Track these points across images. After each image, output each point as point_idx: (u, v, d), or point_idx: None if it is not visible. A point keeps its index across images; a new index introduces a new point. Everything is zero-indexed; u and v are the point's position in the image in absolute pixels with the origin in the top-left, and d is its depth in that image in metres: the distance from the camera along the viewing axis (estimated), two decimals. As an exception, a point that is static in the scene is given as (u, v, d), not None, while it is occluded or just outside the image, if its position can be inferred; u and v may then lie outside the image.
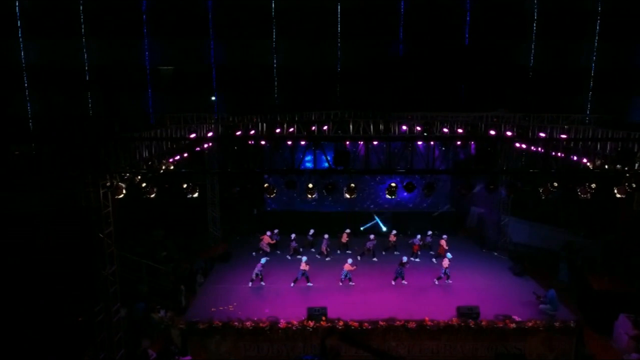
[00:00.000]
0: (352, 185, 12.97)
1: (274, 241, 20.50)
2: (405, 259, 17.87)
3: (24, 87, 26.98)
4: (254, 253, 20.24)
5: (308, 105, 22.09)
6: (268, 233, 20.53)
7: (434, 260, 19.91)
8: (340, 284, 17.47)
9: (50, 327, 14.20)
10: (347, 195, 13.04)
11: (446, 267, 17.71)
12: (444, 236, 20.21)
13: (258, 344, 14.68)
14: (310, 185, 13.62)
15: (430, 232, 21.15)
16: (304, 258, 17.83)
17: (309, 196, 14.05)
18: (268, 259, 18.33)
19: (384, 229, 23.62)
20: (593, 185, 12.09)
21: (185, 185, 12.74)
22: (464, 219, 25.15)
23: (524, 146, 16.00)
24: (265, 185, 13.71)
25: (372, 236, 20.40)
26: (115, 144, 11.50)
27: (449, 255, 18.05)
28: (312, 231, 21.46)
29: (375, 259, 20.16)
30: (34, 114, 27.13)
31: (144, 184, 12.06)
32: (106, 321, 12.17)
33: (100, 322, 12.15)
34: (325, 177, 13.99)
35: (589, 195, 12.12)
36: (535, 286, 17.29)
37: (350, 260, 17.66)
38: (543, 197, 12.99)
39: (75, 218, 12.21)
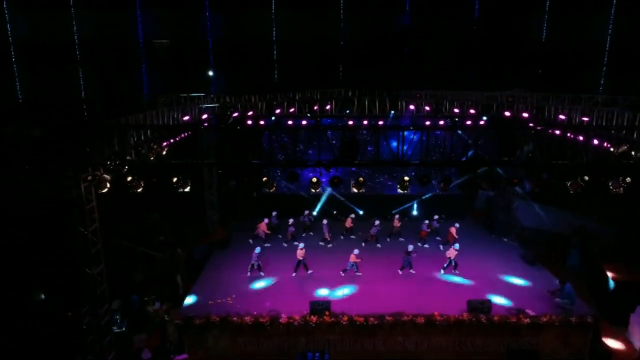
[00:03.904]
0: (361, 179, 11.93)
1: (269, 231, 19.58)
2: (411, 247, 17.08)
3: (12, 64, 25.71)
4: (250, 240, 19.41)
5: (310, 83, 20.84)
6: (266, 220, 19.72)
7: (440, 247, 19.11)
8: (342, 274, 16.67)
9: (37, 329, 13.35)
10: (355, 190, 12.07)
11: (453, 257, 16.85)
12: (456, 224, 19.25)
13: (258, 340, 13.99)
14: (315, 180, 12.55)
15: (436, 217, 20.28)
16: (301, 245, 17.07)
17: (313, 190, 13.03)
18: (268, 245, 17.21)
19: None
20: (628, 180, 10.99)
21: (175, 179, 11.65)
22: (472, 202, 24.25)
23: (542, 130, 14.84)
24: (264, 179, 12.67)
25: (377, 222, 19.54)
26: (97, 131, 10.37)
27: (456, 245, 17.16)
28: (306, 212, 20.73)
29: (379, 245, 19.39)
30: (25, 99, 25.89)
31: (129, 178, 10.97)
32: (94, 323, 11.32)
33: (88, 324, 11.31)
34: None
35: (621, 189, 11.06)
36: (548, 276, 16.49)
37: (356, 251, 16.76)
38: (571, 192, 11.86)
39: (60, 213, 11.19)
